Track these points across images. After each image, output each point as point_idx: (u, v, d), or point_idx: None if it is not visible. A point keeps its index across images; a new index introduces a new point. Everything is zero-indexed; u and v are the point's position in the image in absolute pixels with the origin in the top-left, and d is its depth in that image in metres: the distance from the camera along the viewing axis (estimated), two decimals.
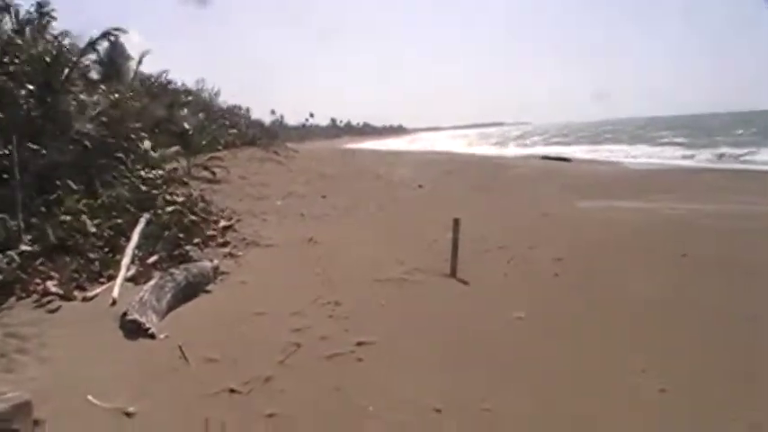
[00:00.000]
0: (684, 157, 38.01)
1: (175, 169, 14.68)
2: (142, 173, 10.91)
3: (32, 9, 12.78)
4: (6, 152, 8.46)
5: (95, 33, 12.23)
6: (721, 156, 37.17)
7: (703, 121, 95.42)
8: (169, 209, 9.91)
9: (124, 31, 12.94)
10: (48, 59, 10.42)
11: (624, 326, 6.56)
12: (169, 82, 25.89)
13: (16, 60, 10.26)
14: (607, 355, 5.73)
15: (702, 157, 36.87)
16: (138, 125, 12.50)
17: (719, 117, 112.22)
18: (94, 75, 16.75)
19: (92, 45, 12.54)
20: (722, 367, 5.43)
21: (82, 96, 10.96)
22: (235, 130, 33.02)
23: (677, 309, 7.11)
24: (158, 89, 22.43)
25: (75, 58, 11.56)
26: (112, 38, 12.85)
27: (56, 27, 12.90)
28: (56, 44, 11.81)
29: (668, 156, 40.06)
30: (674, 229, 12.44)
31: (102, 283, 7.53)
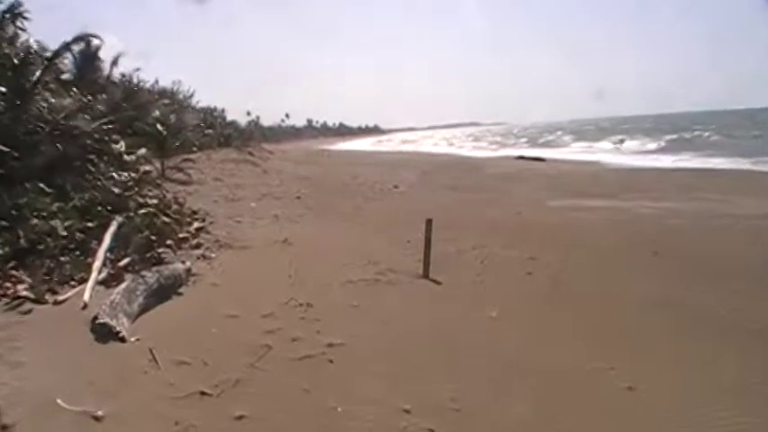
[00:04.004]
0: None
1: (149, 171, 14.56)
2: (114, 175, 10.82)
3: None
4: None
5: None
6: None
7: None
8: (142, 211, 9.84)
9: (97, 37, 12.86)
10: (16, 61, 10.30)
11: (595, 323, 6.70)
12: (140, 82, 25.54)
13: None
14: (577, 352, 5.85)
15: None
16: (110, 126, 12.37)
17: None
18: (68, 76, 16.55)
19: (65, 47, 12.43)
20: (690, 364, 5.55)
21: (52, 100, 10.82)
22: (210, 131, 32.83)
23: (647, 306, 7.27)
24: (132, 90, 22.18)
25: (46, 61, 11.44)
26: (86, 41, 12.72)
27: (28, 27, 12.71)
28: (26, 46, 11.65)
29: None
30: (645, 227, 12.65)
31: (74, 287, 7.45)
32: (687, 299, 7.52)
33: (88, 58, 19.20)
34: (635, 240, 11.18)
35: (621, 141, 55.01)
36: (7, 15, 11.30)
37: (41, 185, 9.13)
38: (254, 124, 70.36)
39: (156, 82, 32.10)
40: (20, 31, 12.02)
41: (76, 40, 12.35)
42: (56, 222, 8.54)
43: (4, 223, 8.19)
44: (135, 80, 24.27)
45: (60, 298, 7.07)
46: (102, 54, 20.36)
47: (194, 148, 24.16)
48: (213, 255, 9.62)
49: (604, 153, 44.71)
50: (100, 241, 8.50)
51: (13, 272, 7.52)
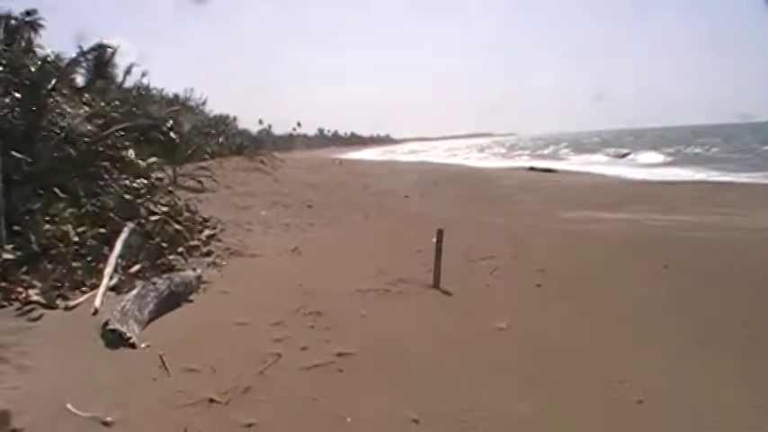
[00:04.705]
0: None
1: (161, 178, 14.62)
2: (127, 181, 10.87)
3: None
4: None
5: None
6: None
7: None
8: (153, 218, 9.88)
9: (113, 47, 13.01)
10: (33, 68, 10.39)
11: (605, 337, 6.62)
12: (150, 89, 25.71)
13: (1, 68, 10.22)
14: (585, 366, 5.78)
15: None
16: (123, 134, 12.43)
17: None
18: (81, 83, 16.70)
19: (81, 55, 12.54)
20: (700, 379, 5.49)
21: (65, 107, 10.88)
22: (222, 140, 32.98)
23: (657, 319, 7.19)
24: (144, 97, 22.34)
25: (61, 68, 11.54)
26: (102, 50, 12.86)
27: (43, 35, 12.87)
28: (43, 56, 11.75)
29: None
30: (655, 239, 12.56)
31: (85, 292, 7.48)
32: (698, 312, 7.44)
33: (101, 64, 19.38)
34: (646, 253, 11.09)
35: (628, 154, 55.45)
36: (25, 22, 11.42)
37: (54, 191, 9.18)
38: (266, 133, 70.63)
39: (165, 90, 32.45)
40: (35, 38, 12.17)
41: (92, 49, 12.46)
42: (68, 228, 8.59)
43: (16, 228, 8.24)
44: (146, 86, 24.43)
45: (71, 303, 7.11)
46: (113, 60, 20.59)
47: (206, 156, 24.31)
48: (224, 262, 9.63)
49: (612, 165, 44.56)
50: (111, 247, 8.54)
51: (25, 277, 7.56)
